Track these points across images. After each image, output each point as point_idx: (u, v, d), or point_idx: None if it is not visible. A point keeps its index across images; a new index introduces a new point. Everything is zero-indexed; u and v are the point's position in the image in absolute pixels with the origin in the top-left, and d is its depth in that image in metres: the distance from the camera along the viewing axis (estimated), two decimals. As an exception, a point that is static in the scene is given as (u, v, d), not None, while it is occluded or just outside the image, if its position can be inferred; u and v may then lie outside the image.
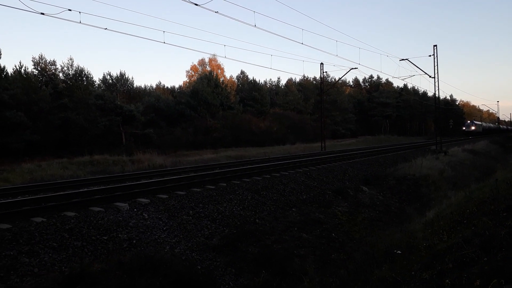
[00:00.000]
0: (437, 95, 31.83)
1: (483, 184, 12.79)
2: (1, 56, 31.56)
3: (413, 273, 5.00)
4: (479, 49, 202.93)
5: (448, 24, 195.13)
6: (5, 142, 28.04)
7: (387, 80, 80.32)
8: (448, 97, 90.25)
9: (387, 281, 5.05)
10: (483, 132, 69.55)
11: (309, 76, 71.96)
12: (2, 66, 31.42)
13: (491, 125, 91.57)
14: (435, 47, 29.77)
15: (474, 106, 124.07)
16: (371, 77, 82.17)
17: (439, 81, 30.15)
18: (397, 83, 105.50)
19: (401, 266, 5.57)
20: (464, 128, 66.44)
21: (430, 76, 30.53)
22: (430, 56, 29.90)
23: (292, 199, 11.22)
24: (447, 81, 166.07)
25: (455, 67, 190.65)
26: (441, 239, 6.21)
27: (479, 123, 72.37)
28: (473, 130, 64.72)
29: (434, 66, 30.01)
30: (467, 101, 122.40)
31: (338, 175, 15.23)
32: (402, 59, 30.37)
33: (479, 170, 21.71)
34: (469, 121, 67.34)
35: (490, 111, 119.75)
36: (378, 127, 69.40)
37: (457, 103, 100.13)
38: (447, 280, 4.27)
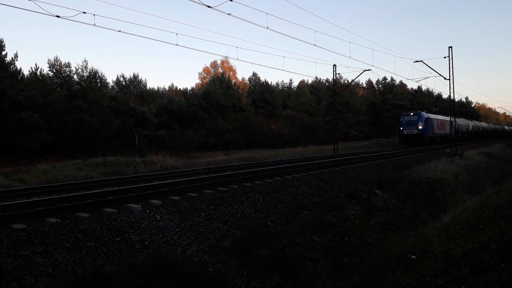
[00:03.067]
0: (452, 97, 31.37)
1: (499, 188, 12.55)
2: (18, 58, 32.11)
3: (428, 278, 4.91)
4: (496, 50, 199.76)
5: (464, 25, 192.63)
6: (21, 143, 28.48)
7: (401, 82, 79.51)
8: (464, 99, 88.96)
9: (401, 286, 4.97)
10: (450, 137, 39.65)
11: (322, 78, 71.77)
12: (18, 68, 32.07)
13: (484, 124, 63.74)
14: (450, 49, 29.38)
15: (490, 109, 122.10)
16: (385, 79, 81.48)
17: (454, 83, 29.72)
18: (411, 85, 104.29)
19: (416, 271, 5.48)
20: (401, 128, 35.70)
21: (445, 78, 30.13)
22: (445, 57, 29.55)
23: (304, 202, 11.15)
24: (463, 83, 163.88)
25: (470, 68, 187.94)
26: (456, 244, 6.10)
27: (444, 118, 41.41)
28: (419, 135, 34.22)
29: (449, 68, 29.63)
30: (483, 103, 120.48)
31: (351, 178, 15.09)
32: (417, 61, 30.05)
33: (495, 174, 21.33)
34: (412, 113, 35.67)
35: (507, 114, 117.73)
36: (391, 129, 68.67)
37: (472, 105, 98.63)
38: (463, 287, 4.18)
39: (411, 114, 36.47)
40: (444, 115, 44.84)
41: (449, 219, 8.89)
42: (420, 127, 34.60)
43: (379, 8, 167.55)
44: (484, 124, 64.77)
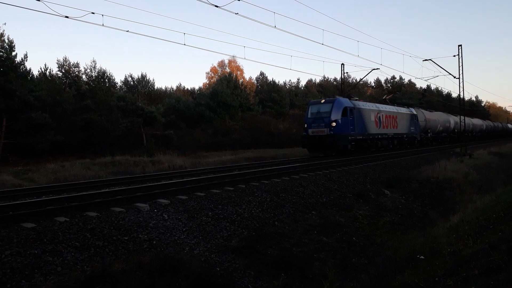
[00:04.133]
0: (461, 96, 31.07)
1: (510, 188, 12.41)
2: (27, 59, 32.45)
3: (436, 279, 4.88)
4: (506, 48, 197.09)
5: (474, 23, 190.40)
6: (30, 142, 28.80)
7: (409, 81, 79.03)
8: (474, 98, 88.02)
9: (410, 286, 4.94)
10: (411, 139, 30.11)
11: (330, 77, 71.64)
12: (28, 68, 32.32)
13: (477, 121, 50.26)
14: (459, 47, 29.11)
15: (500, 108, 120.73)
16: (393, 77, 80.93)
17: (463, 81, 29.45)
18: (420, 84, 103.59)
19: (424, 272, 5.44)
20: (305, 125, 23.12)
21: (454, 77, 29.86)
22: (454, 56, 29.26)
23: (311, 202, 11.11)
24: (472, 81, 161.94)
25: (481, 67, 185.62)
26: (466, 245, 6.05)
27: (395, 110, 28.67)
28: (331, 137, 21.25)
29: (459, 67, 29.34)
30: (493, 102, 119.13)
31: (359, 177, 15.02)
32: (426, 60, 29.89)
33: (506, 174, 21.07)
34: (322, 100, 23.46)
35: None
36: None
37: (482, 104, 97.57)
38: (472, 287, 4.14)
39: (322, 101, 23.04)
40: (408, 106, 33.87)
41: (459, 219, 8.81)
42: (333, 124, 21.12)
43: (387, 7, 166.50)
44: (477, 121, 50.75)
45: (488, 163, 23.71)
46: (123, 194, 9.38)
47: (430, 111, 37.97)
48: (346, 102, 22.72)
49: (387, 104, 29.96)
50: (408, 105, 37.95)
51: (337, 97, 23.71)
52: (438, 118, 37.19)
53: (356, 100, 24.87)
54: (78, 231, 6.62)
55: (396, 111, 28.90)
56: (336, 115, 21.60)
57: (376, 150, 25.64)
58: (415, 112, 32.14)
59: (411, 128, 30.64)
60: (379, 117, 25.83)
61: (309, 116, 23.01)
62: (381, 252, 8.30)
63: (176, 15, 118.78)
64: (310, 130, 22.50)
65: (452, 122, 40.25)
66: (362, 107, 24.18)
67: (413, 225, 10.91)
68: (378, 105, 27.45)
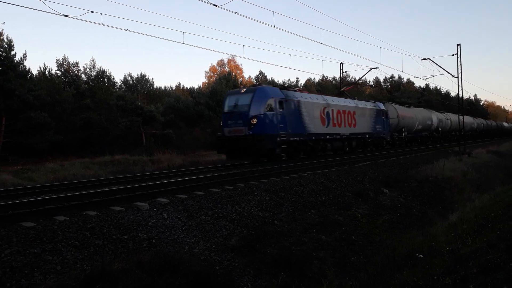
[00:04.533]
0: (460, 95, 31.09)
1: (508, 187, 12.44)
2: (27, 58, 32.44)
3: (435, 277, 4.89)
4: (505, 47, 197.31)
5: (473, 22, 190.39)
6: (30, 142, 28.82)
7: (408, 80, 79.10)
8: (472, 97, 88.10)
9: (409, 285, 4.96)
10: (376, 139, 25.69)
11: (329, 76, 71.70)
12: (27, 67, 32.33)
13: (468, 119, 44.31)
14: (458, 46, 29.14)
15: (499, 107, 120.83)
16: (392, 77, 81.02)
17: (462, 81, 29.49)
18: (419, 83, 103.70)
19: (423, 271, 5.46)
20: (221, 123, 17.78)
21: (453, 76, 29.90)
22: (453, 55, 29.31)
23: (311, 201, 11.13)
24: (471, 80, 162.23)
25: (479, 66, 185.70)
26: (464, 243, 6.07)
27: (351, 104, 23.29)
28: (250, 138, 16.23)
29: (458, 66, 29.38)
30: (492, 101, 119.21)
31: (358, 176, 15.05)
32: (424, 59, 29.87)
33: (504, 173, 21.13)
34: (243, 90, 17.91)
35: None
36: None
37: (481, 103, 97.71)
38: (471, 286, 4.17)
39: (242, 91, 18.11)
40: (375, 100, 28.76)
41: (457, 218, 8.84)
42: (254, 121, 16.53)
43: (386, 6, 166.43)
44: (467, 119, 45.85)
45: (487, 162, 23.75)
46: (123, 193, 9.38)
47: (407, 106, 33.95)
48: (273, 92, 17.72)
49: (347, 97, 25.26)
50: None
51: (262, 85, 18.91)
52: (415, 115, 32.35)
53: (292, 90, 19.77)
54: (77, 230, 6.63)
55: (354, 105, 23.49)
56: (257, 109, 16.60)
57: (333, 154, 21.83)
58: (383, 107, 26.91)
59: (377, 126, 25.58)
60: (327, 112, 20.68)
61: (225, 110, 17.79)
62: (380, 250, 8.33)
63: (175, 14, 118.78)
64: (226, 130, 17.52)
65: (434, 119, 35.65)
66: (300, 99, 18.92)
67: (412, 224, 10.94)
68: (327, 97, 22.34)
